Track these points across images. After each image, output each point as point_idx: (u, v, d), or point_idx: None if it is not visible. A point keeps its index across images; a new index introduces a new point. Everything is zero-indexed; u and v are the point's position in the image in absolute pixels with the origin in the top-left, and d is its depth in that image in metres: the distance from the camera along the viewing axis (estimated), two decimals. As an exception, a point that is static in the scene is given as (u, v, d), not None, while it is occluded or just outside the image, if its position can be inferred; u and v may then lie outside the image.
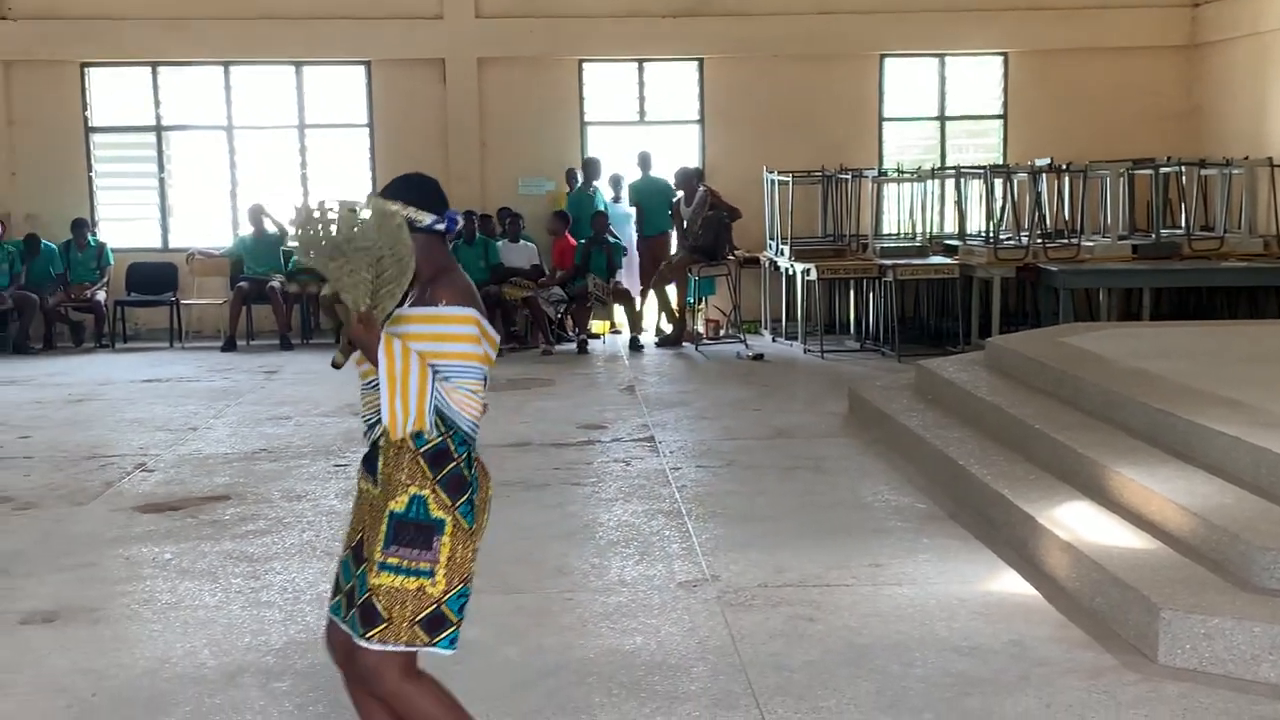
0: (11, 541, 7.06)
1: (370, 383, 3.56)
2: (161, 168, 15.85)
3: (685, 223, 14.29)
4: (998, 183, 13.80)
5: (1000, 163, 14.91)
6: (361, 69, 15.66)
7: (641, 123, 15.95)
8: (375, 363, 3.42)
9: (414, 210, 3.53)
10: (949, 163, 15.21)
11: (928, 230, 14.38)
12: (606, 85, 15.94)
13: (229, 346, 14.29)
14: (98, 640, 5.53)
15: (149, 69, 15.62)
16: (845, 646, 5.36)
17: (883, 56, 15.80)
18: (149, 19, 15.14)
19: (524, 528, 7.21)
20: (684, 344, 14.10)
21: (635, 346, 13.99)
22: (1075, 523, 6.28)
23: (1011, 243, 13.38)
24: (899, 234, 14.63)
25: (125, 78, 15.78)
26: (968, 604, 5.87)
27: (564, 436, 9.59)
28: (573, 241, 14.58)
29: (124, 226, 15.80)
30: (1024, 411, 8.09)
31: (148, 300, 15.27)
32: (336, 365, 3.57)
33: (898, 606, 5.86)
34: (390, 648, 3.47)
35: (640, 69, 15.84)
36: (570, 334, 14.53)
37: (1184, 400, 7.26)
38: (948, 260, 13.34)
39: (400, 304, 3.51)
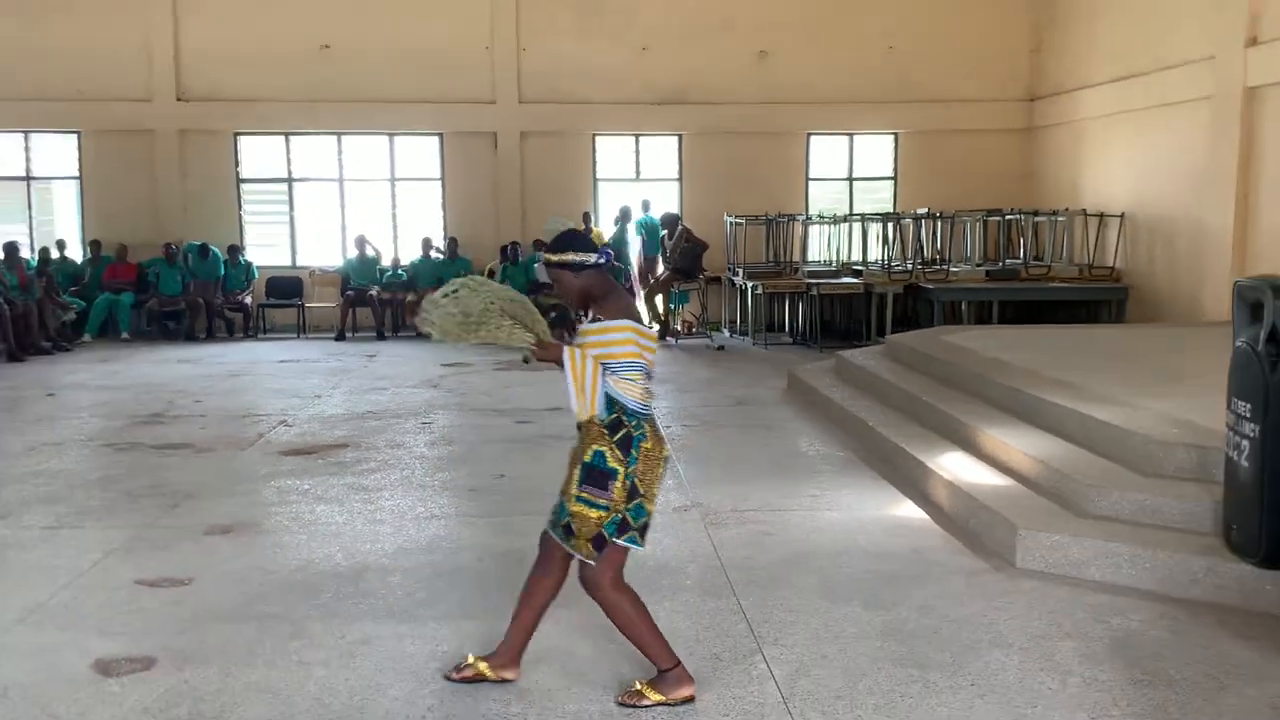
0: (196, 475, 7.05)
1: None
2: (291, 208, 15.72)
3: (669, 251, 14.29)
4: (890, 226, 13.83)
5: (891, 211, 14.87)
6: (436, 138, 15.58)
7: (637, 180, 15.83)
8: (564, 369, 3.50)
9: (582, 254, 3.55)
10: (856, 211, 15.20)
11: (841, 259, 14.38)
12: (612, 152, 15.82)
13: (340, 338, 14.23)
14: (262, 546, 5.55)
15: (283, 137, 15.51)
16: (794, 553, 5.39)
17: (809, 134, 15.71)
18: (283, 101, 15.06)
19: (563, 468, 7.22)
20: (667, 339, 14.08)
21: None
22: (954, 467, 6.30)
23: (900, 268, 13.39)
24: (820, 261, 14.63)
25: (266, 143, 15.65)
26: (879, 524, 5.91)
27: (584, 403, 9.59)
28: (587, 264, 14.55)
29: (264, 250, 15.64)
30: (914, 388, 8.11)
31: (281, 303, 15.19)
32: (526, 362, 3.65)
33: (830, 525, 5.90)
34: (580, 556, 3.63)
35: (637, 141, 15.73)
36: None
37: (1030, 381, 7.28)
38: (855, 280, 13.34)
39: (579, 320, 3.61)
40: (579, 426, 3.65)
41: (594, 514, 3.58)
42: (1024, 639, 4.29)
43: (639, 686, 3.75)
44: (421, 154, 15.73)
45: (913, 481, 6.56)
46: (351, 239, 15.14)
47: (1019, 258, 13.80)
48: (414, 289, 14.92)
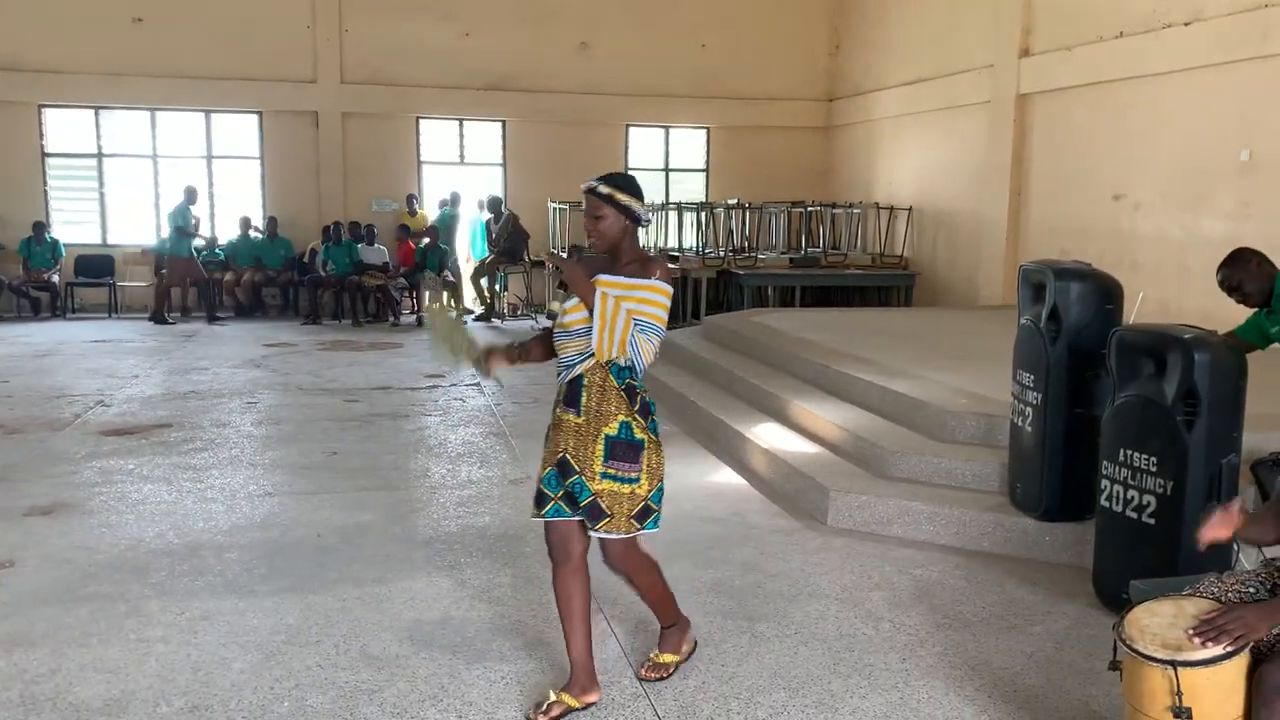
0: (6, 456, 6.54)
1: (574, 331, 3.28)
2: (101, 184, 14.69)
3: (495, 235, 14.15)
4: (703, 215, 14.13)
5: (704, 201, 15.18)
6: (255, 117, 14.86)
7: (461, 164, 15.62)
8: (591, 307, 3.19)
9: (637, 203, 3.29)
10: (671, 200, 15.44)
11: (660, 245, 14.55)
12: (436, 135, 15.51)
13: (157, 319, 13.42)
14: (87, 527, 5.21)
15: (92, 111, 14.45)
16: (626, 520, 5.48)
17: (628, 125, 15.89)
18: (91, 73, 14.02)
19: (395, 445, 7.08)
20: (492, 319, 13.97)
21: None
22: (769, 437, 6.52)
23: (713, 255, 13.71)
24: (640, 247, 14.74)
25: (74, 117, 14.53)
26: (703, 489, 6.05)
27: (415, 383, 9.38)
28: (412, 246, 14.26)
29: (73, 227, 14.57)
30: (730, 364, 8.34)
31: (91, 282, 14.22)
32: (552, 318, 3.40)
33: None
34: (615, 535, 3.30)
35: (461, 125, 15.50)
36: (410, 312, 14.21)
37: (834, 357, 7.60)
38: (673, 265, 13.53)
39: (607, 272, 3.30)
40: (575, 392, 3.29)
41: (626, 489, 3.28)
42: (838, 590, 4.51)
43: (656, 657, 3.66)
44: (240, 132, 14.98)
45: (732, 451, 6.75)
46: (165, 217, 14.28)
47: (819, 247, 14.33)
48: (232, 269, 14.25)
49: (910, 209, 13.81)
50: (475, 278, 14.27)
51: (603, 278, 3.28)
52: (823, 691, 3.59)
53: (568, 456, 3.31)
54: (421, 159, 15.44)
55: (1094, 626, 4.16)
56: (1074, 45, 10.69)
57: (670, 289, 3.30)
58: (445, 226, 14.30)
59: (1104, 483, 4.32)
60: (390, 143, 15.16)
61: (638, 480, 3.29)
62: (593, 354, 3.25)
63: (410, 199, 15.03)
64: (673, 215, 14.43)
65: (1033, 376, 4.88)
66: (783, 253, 14.11)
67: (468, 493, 5.94)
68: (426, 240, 13.99)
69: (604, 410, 3.29)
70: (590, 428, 3.29)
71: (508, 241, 14.04)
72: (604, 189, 3.28)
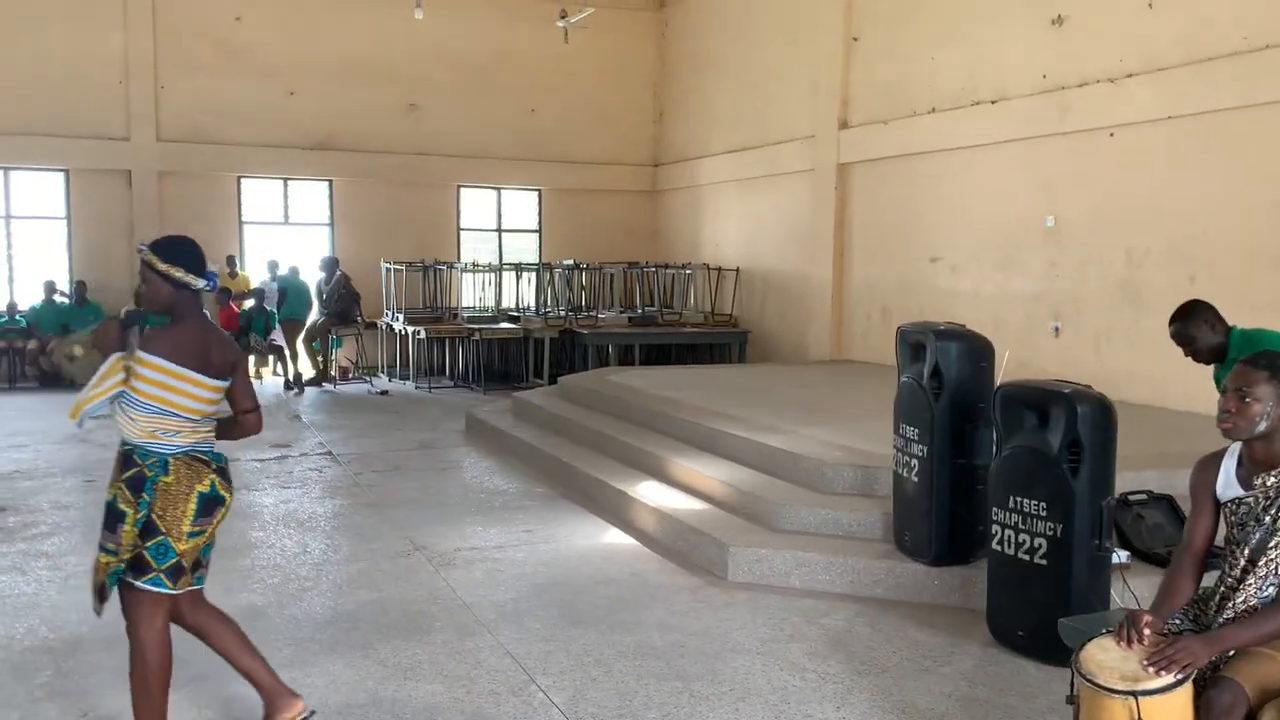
0: None
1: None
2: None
3: (326, 296, 13.75)
4: (544, 275, 14.23)
5: (543, 261, 15.28)
6: (61, 174, 13.95)
7: (286, 223, 15.14)
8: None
9: (190, 275, 3.29)
10: (505, 260, 15.47)
11: (496, 305, 14.53)
12: (260, 195, 14.98)
13: (-53, 389, 12.25)
14: (-58, 627, 4.72)
15: None
16: (530, 586, 5.42)
17: (459, 186, 15.87)
18: None
19: (262, 520, 6.76)
20: (324, 384, 13.52)
21: (288, 386, 13.26)
22: (653, 495, 6.61)
23: (554, 315, 13.81)
24: (476, 307, 14.67)
25: None
26: (596, 552, 6.07)
27: (261, 453, 8.93)
28: (235, 309, 13.67)
29: None
30: (596, 424, 8.41)
31: None
32: (72, 360, 3.40)
33: (553, 558, 5.97)
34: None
35: (285, 185, 15.05)
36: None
37: (701, 414, 7.80)
38: (515, 325, 13.57)
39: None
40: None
41: (104, 559, 3.27)
42: (756, 644, 4.63)
43: None
44: (44, 191, 13.99)
45: (615, 511, 6.80)
46: (40, 283, 13.17)
47: (654, 305, 14.68)
48: (36, 337, 13.22)
49: (737, 269, 14.37)
50: (307, 340, 13.81)
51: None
52: (774, 744, 3.68)
53: None
54: (244, 219, 14.87)
55: (997, 664, 4.44)
56: (889, 119, 11.50)
57: (159, 360, 3.22)
58: (295, 289, 13.75)
59: (995, 528, 4.64)
60: (210, 202, 14.54)
61: (114, 552, 3.24)
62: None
63: (231, 260, 14.41)
64: (511, 275, 14.48)
65: (917, 430, 5.20)
66: (620, 311, 14.36)
67: (356, 568, 5.73)
68: (251, 303, 13.45)
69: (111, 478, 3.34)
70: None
71: (339, 303, 13.68)
72: (146, 255, 3.31)
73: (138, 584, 3.25)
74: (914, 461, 5.21)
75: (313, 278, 13.94)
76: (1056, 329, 9.51)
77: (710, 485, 6.49)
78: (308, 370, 13.72)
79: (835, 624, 4.89)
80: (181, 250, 3.32)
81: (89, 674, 4.21)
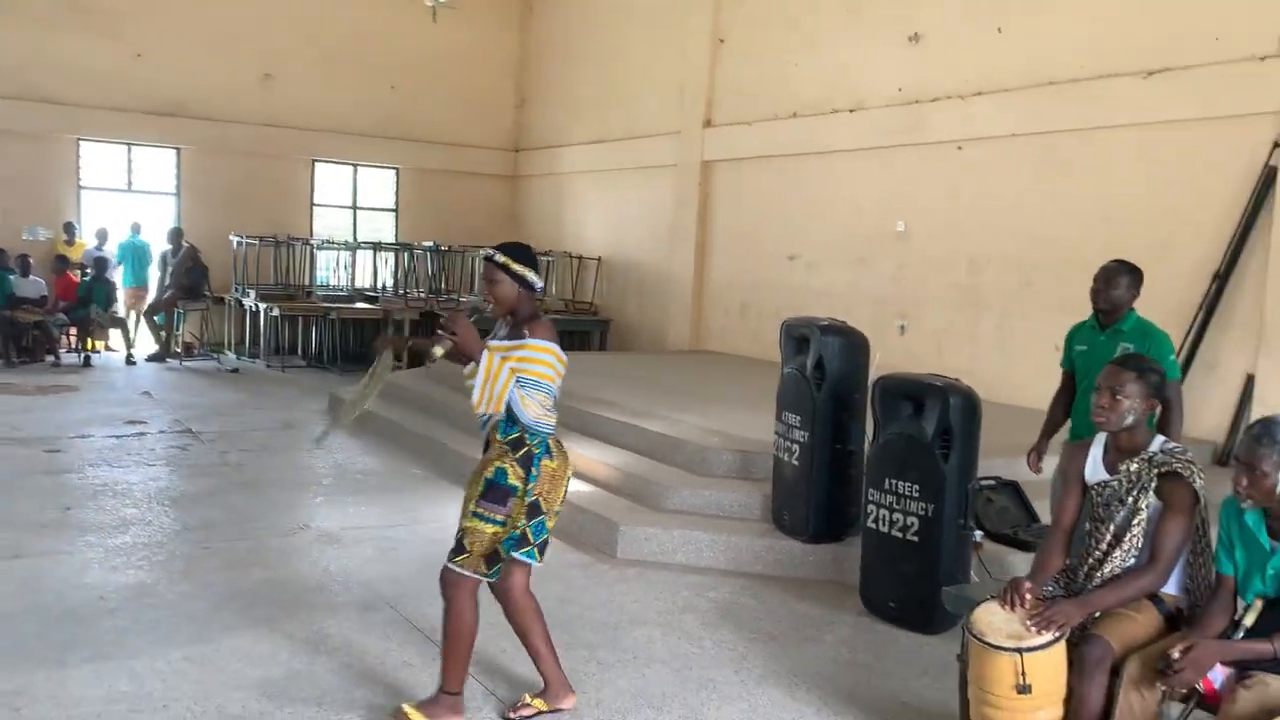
0: None
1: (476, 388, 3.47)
2: None
3: (173, 269, 13.20)
4: (405, 255, 14.08)
5: (404, 242, 15.06)
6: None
7: (129, 191, 14.42)
8: (478, 364, 3.40)
9: (534, 275, 3.57)
10: (360, 239, 15.20)
11: (357, 285, 14.29)
12: (101, 160, 14.21)
13: None
14: None
15: None
16: (425, 563, 5.40)
17: (314, 160, 15.47)
18: None
19: (133, 497, 6.57)
20: (168, 359, 13.00)
21: (130, 361, 12.69)
22: (537, 477, 6.79)
23: (414, 296, 13.70)
24: (330, 285, 14.39)
25: None
26: (484, 531, 6.21)
27: (116, 429, 8.59)
28: (73, 278, 12.98)
29: None
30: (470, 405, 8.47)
31: None
32: (432, 361, 3.48)
33: (443, 536, 5.64)
34: (464, 573, 3.48)
35: (129, 151, 14.32)
36: (71, 350, 12.85)
37: (580, 400, 7.82)
38: (373, 306, 13.40)
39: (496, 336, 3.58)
40: (485, 445, 3.60)
41: (489, 529, 3.49)
42: (653, 615, 4.89)
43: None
44: None
45: (498, 492, 6.91)
46: None
47: (513, 290, 14.68)
48: None
49: (599, 259, 14.61)
50: (150, 314, 13.24)
51: (493, 341, 3.55)
52: (684, 706, 3.95)
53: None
54: (82, 184, 14.08)
55: (871, 632, 4.86)
56: (753, 121, 11.97)
57: (550, 345, 3.53)
58: (136, 255, 13.12)
59: (870, 508, 5.06)
60: (45, 165, 13.71)
61: (501, 524, 3.51)
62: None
63: (69, 227, 13.66)
64: (368, 254, 14.27)
65: (799, 417, 5.57)
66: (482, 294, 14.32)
67: (244, 546, 5.68)
68: (91, 273, 12.81)
69: (490, 456, 3.57)
70: (480, 471, 3.57)
71: (187, 276, 13.17)
72: (512, 265, 3.54)
73: (515, 555, 3.53)
74: (795, 446, 5.58)
75: (155, 237, 13.37)
76: (903, 327, 10.17)
77: (595, 468, 6.70)
78: (149, 345, 13.16)
79: (722, 597, 5.20)
80: (527, 253, 3.61)
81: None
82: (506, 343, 3.53)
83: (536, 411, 3.49)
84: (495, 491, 3.50)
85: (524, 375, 3.46)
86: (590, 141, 14.92)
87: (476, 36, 16.15)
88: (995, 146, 9.37)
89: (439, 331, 3.46)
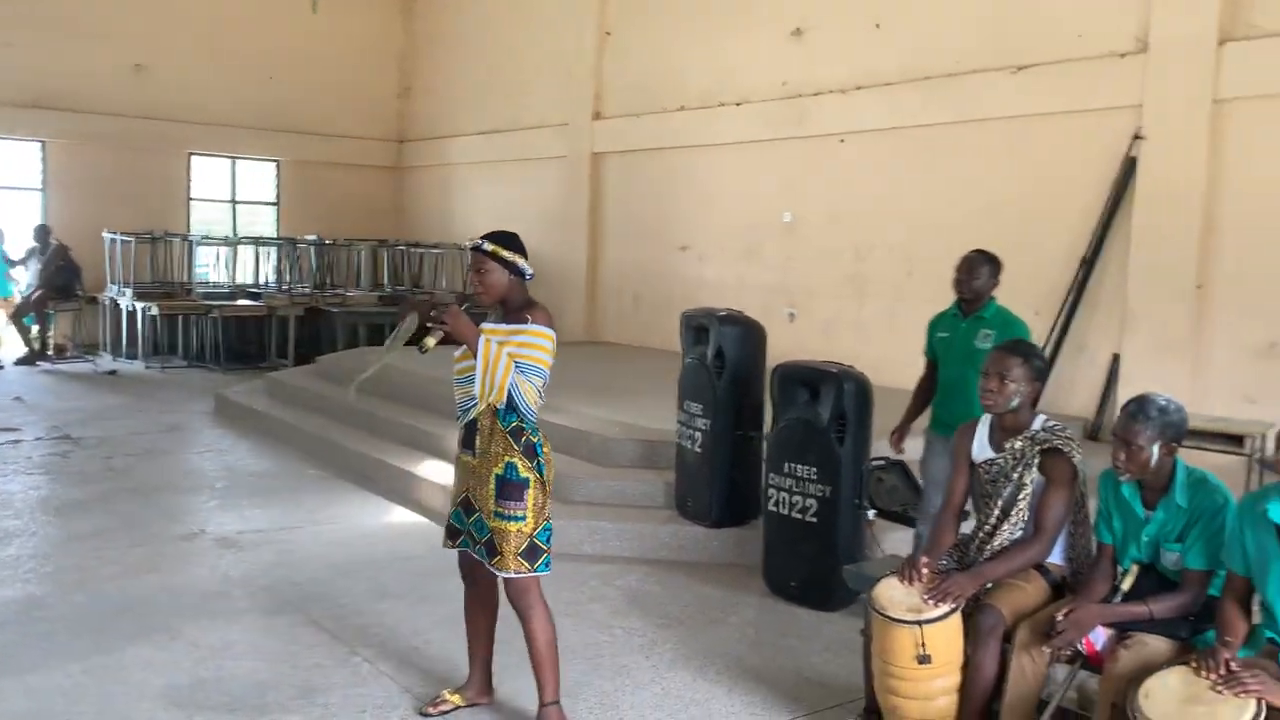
0: None
1: (467, 378, 3.44)
2: None
3: (42, 267, 12.61)
4: (288, 250, 13.75)
5: (285, 236, 14.70)
6: None
7: (-11, 186, 13.75)
8: (475, 353, 3.36)
9: (524, 261, 3.53)
10: (239, 234, 14.76)
11: (233, 280, 13.88)
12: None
13: None
14: None
15: None
16: (328, 565, 5.45)
17: (190, 154, 14.96)
18: None
19: (16, 508, 6.31)
20: (39, 363, 12.42)
21: (-3, 365, 12.12)
22: (439, 474, 6.66)
23: (300, 292, 13.39)
24: (210, 282, 13.93)
25: None
26: (388, 530, 6.17)
27: (-13, 436, 8.24)
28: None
29: None
30: (367, 405, 8.27)
31: None
32: (424, 351, 3.40)
33: (345, 537, 6.00)
34: (508, 574, 3.44)
35: (-11, 145, 13.65)
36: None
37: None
38: (258, 303, 13.05)
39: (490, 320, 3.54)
40: (471, 434, 3.54)
41: (513, 526, 3.45)
42: (563, 606, 4.88)
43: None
44: None
45: (399, 490, 6.88)
46: None
47: (403, 284, 14.54)
48: None
49: (491, 251, 14.47)
50: (17, 316, 12.62)
51: (486, 325, 3.49)
52: (598, 692, 4.04)
53: (469, 496, 3.57)
54: (-63, 178, 13.36)
55: (774, 612, 5.02)
56: (642, 113, 12.07)
57: (550, 332, 3.51)
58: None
59: (770, 491, 5.22)
60: (-105, 158, 12.94)
61: (524, 519, 3.48)
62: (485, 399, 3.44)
63: (-76, 224, 12.92)
64: (249, 250, 13.89)
65: (701, 406, 5.70)
66: (370, 290, 14.13)
67: (137, 554, 5.52)
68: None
69: (493, 451, 3.50)
70: (483, 469, 3.53)
71: (57, 275, 12.61)
72: (503, 253, 3.50)
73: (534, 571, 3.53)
74: (697, 434, 5.71)
75: (12, 238, 12.75)
76: (791, 315, 10.43)
77: (495, 462, 6.70)
78: (18, 348, 12.56)
79: (629, 584, 5.30)
80: (515, 240, 3.54)
81: None
82: (505, 327, 3.49)
83: (534, 397, 3.46)
84: (509, 488, 3.47)
85: (522, 360, 3.41)
86: (478, 132, 14.81)
87: (358, 25, 15.86)
88: (876, 139, 9.68)
89: (429, 324, 3.41)
